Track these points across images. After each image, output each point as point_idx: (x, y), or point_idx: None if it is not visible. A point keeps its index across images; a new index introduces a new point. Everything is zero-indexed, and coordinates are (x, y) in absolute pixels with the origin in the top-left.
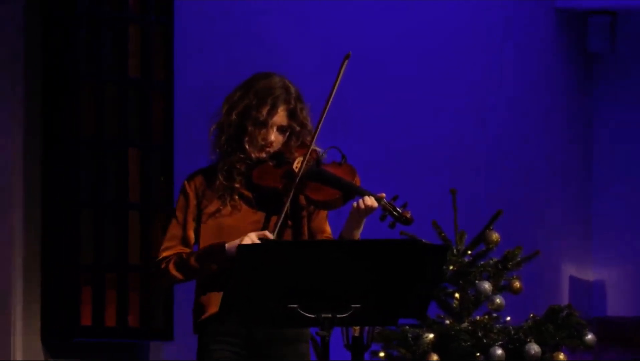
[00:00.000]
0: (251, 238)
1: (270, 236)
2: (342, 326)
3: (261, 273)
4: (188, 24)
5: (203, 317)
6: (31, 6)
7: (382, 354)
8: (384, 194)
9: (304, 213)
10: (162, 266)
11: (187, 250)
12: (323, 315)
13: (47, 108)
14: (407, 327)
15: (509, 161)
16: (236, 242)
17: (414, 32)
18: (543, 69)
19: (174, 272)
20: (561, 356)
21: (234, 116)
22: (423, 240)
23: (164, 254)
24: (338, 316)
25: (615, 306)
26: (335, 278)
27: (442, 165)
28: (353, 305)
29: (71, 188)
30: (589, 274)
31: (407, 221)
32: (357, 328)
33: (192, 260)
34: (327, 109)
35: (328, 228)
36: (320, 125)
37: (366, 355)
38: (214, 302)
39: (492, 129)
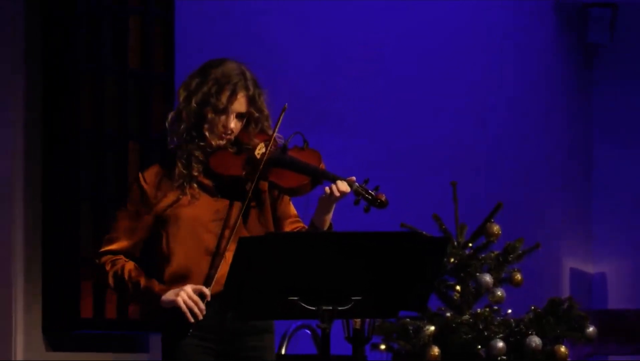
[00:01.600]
0: (187, 292)
1: (206, 291)
2: (343, 318)
3: (261, 265)
4: (188, 23)
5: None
6: (31, 0)
7: (383, 346)
8: (354, 178)
9: (267, 199)
10: (107, 267)
11: (131, 242)
12: (324, 308)
13: (48, 102)
14: (408, 320)
15: (510, 156)
16: (170, 294)
17: (414, 32)
18: (543, 64)
19: (110, 280)
20: (562, 348)
21: (193, 104)
22: (424, 232)
23: (108, 247)
24: (339, 308)
25: (616, 298)
26: (336, 270)
27: (442, 165)
28: (354, 298)
29: (71, 181)
30: (590, 267)
31: (381, 204)
32: (358, 320)
33: (130, 285)
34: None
35: (294, 211)
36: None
37: (367, 348)
38: None
39: (492, 129)
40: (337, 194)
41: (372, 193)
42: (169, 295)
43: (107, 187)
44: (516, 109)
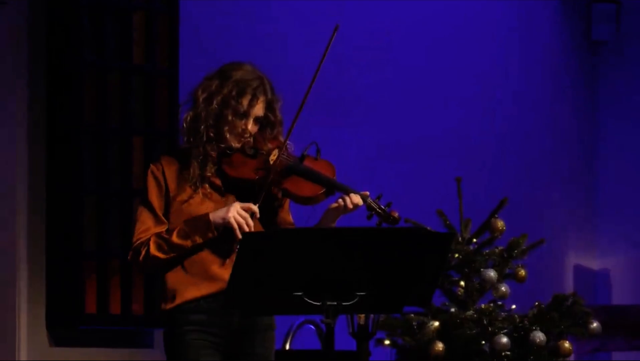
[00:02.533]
0: (236, 209)
1: (254, 208)
2: (347, 314)
3: (265, 260)
4: (192, 18)
5: (172, 305)
6: None
7: (387, 342)
8: (367, 193)
9: (275, 205)
10: (142, 250)
11: (162, 229)
12: (328, 303)
13: (52, 97)
14: (412, 315)
15: (514, 152)
16: (219, 212)
17: (420, 25)
18: (548, 59)
19: (155, 252)
20: (566, 344)
21: (214, 105)
22: (428, 228)
23: (139, 240)
24: (343, 304)
25: (619, 294)
26: (340, 265)
27: (446, 160)
28: (358, 293)
29: (75, 176)
30: (593, 263)
31: (394, 221)
32: (362, 316)
33: (174, 237)
34: (309, 90)
35: (292, 219)
36: (299, 113)
37: (371, 343)
38: (182, 290)
39: (497, 124)
40: (351, 206)
41: (385, 209)
42: (218, 213)
43: (111, 182)
44: (521, 104)
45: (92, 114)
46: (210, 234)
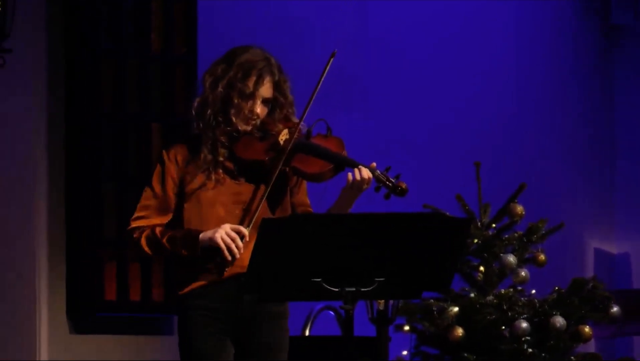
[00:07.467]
0: (225, 230)
1: (244, 231)
2: (367, 299)
3: (285, 246)
4: (210, 4)
5: (186, 290)
6: None
7: (406, 327)
8: (374, 164)
9: (289, 186)
10: (135, 235)
11: (163, 221)
12: (347, 289)
13: (70, 84)
14: (432, 300)
15: (532, 136)
16: (209, 232)
17: (434, 9)
18: (566, 42)
19: (144, 246)
20: (586, 329)
21: (220, 89)
22: (447, 213)
23: (136, 223)
24: (362, 289)
25: (639, 278)
26: (360, 251)
27: (464, 146)
28: (377, 279)
29: (95, 163)
30: (613, 247)
31: (402, 192)
32: (382, 301)
33: (165, 240)
34: (313, 97)
35: (308, 201)
36: (310, 104)
37: (391, 329)
38: (193, 275)
39: (517, 104)
40: (359, 178)
41: (393, 181)
42: (206, 233)
43: (130, 169)
44: (538, 88)
45: (111, 101)
46: (194, 253)
